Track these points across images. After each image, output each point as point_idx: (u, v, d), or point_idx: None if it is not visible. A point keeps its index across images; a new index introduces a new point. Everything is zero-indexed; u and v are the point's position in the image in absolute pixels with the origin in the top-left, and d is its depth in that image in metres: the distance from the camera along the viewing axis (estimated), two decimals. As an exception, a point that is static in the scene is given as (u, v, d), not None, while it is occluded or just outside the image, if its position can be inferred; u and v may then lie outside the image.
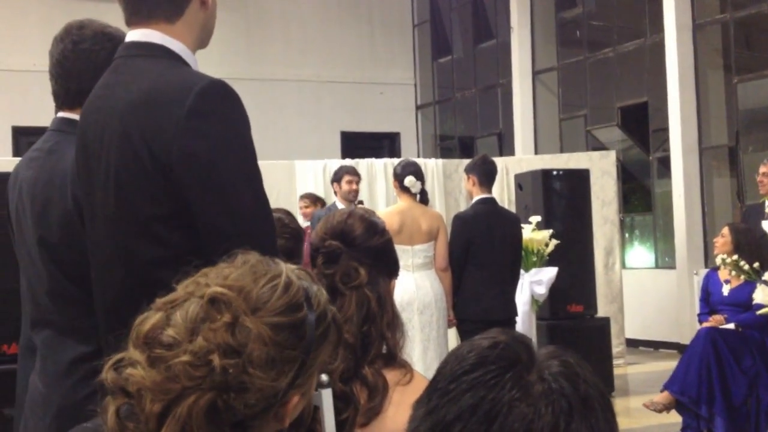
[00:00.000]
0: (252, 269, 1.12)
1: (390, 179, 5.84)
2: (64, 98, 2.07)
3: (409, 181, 5.39)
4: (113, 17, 2.34)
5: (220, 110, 1.59)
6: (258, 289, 1.09)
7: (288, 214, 2.61)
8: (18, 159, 2.16)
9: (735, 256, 5.47)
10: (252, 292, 1.08)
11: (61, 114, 2.08)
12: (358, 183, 6.81)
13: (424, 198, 5.53)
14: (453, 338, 6.74)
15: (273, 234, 1.66)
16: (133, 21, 1.72)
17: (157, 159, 1.57)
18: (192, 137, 1.55)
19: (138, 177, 1.60)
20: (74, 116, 2.04)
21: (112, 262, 1.68)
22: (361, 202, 6.80)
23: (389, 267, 1.86)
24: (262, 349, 1.05)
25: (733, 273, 5.57)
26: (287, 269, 1.14)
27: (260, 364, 1.05)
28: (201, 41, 1.77)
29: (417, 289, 5.22)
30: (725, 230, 5.83)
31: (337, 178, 6.84)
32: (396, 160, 7.02)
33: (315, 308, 1.12)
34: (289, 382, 1.08)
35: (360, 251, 1.80)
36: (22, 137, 10.97)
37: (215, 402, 1.03)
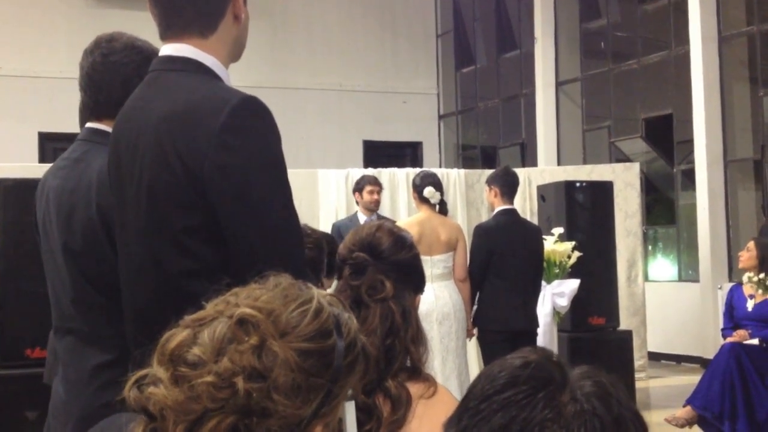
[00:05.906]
0: (283, 292, 1.09)
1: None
2: (92, 109, 2.09)
3: (429, 191, 5.40)
4: (141, 26, 2.36)
5: (253, 126, 1.61)
6: (288, 313, 1.07)
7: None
8: (44, 165, 2.17)
9: (762, 275, 5.42)
10: (281, 316, 1.06)
11: (89, 124, 2.10)
12: (379, 193, 6.78)
13: (443, 209, 5.53)
14: (472, 349, 6.70)
15: (301, 248, 1.67)
16: (167, 35, 1.74)
17: (189, 171, 1.59)
18: (224, 151, 1.57)
19: (170, 188, 1.61)
20: (102, 127, 2.07)
21: (142, 272, 1.70)
22: (378, 216, 6.76)
23: (415, 281, 1.86)
24: (287, 375, 1.03)
25: (760, 291, 5.53)
26: (319, 295, 1.11)
27: (285, 390, 1.02)
28: (234, 55, 1.79)
29: (436, 299, 5.21)
30: (750, 244, 5.79)
31: (359, 187, 6.79)
32: (418, 170, 7.01)
33: (345, 336, 1.09)
34: (314, 411, 1.05)
35: (387, 264, 1.81)
36: (49, 143, 11.07)
37: (237, 426, 1.01)
